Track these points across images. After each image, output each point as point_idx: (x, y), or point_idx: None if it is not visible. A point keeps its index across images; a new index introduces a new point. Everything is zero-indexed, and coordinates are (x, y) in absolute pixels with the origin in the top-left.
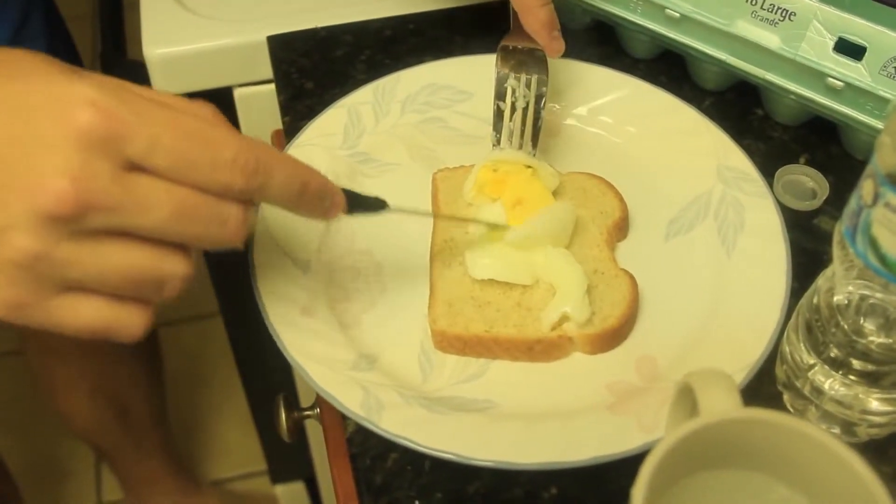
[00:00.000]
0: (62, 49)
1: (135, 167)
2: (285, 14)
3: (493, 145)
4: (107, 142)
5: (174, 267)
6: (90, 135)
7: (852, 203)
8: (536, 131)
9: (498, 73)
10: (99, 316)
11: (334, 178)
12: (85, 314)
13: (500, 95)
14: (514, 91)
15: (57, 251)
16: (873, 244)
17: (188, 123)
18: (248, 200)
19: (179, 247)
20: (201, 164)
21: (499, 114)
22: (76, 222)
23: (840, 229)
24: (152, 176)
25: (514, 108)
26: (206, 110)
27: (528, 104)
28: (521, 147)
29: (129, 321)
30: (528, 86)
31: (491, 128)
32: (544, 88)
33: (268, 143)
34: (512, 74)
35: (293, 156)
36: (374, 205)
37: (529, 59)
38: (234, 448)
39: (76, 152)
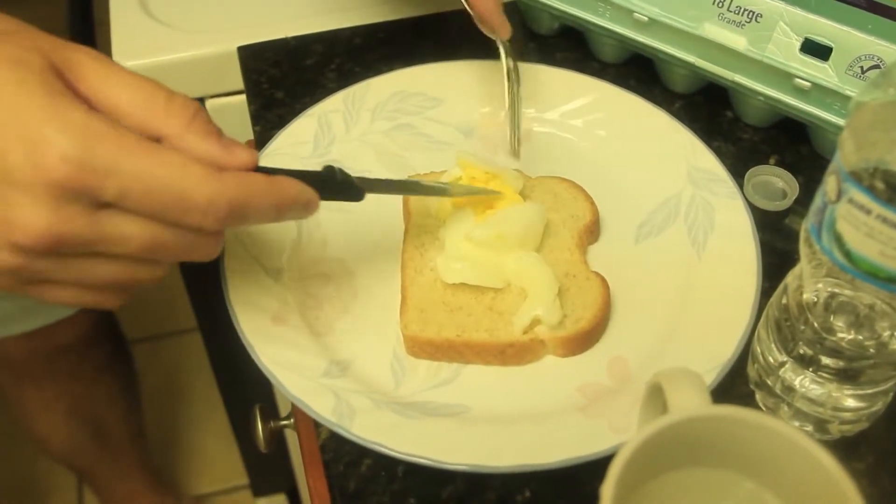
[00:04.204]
0: None
1: (108, 204)
2: (255, 24)
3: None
4: (78, 192)
5: (147, 275)
6: (62, 186)
7: (817, 200)
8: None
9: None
10: (80, 300)
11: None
12: (66, 297)
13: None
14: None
15: (35, 264)
16: (838, 240)
17: (160, 171)
18: None
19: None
20: (172, 211)
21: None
22: (51, 252)
23: (806, 226)
24: (125, 212)
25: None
26: (189, 109)
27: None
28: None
29: (108, 303)
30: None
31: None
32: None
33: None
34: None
35: (266, 179)
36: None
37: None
38: (216, 463)
39: (49, 198)
